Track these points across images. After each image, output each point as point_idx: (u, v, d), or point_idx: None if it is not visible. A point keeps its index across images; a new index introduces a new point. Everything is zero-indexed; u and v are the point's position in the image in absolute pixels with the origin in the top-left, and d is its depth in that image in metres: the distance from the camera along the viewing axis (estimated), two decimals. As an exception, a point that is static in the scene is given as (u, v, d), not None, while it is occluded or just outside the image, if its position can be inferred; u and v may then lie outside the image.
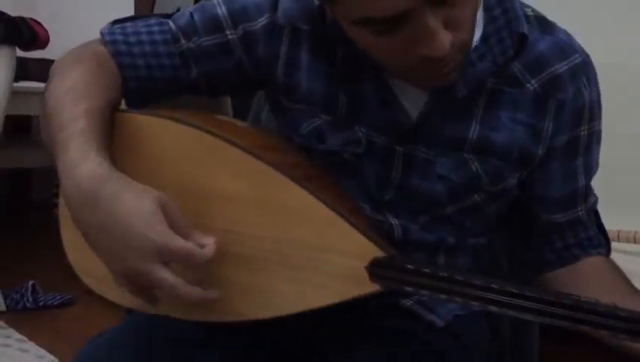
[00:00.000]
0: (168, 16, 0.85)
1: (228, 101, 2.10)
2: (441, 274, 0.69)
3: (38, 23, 2.19)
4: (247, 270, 0.75)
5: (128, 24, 0.84)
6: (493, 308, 0.66)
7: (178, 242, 0.67)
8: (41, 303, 2.13)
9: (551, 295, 0.64)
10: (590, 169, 0.84)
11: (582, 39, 0.82)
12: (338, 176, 0.83)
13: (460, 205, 0.82)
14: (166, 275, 0.67)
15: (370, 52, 0.72)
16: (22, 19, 2.13)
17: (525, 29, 0.77)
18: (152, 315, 0.79)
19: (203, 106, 0.87)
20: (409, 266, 0.71)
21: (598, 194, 0.88)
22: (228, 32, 0.81)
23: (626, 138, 1.31)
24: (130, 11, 2.50)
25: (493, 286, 0.66)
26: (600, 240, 0.88)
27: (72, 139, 0.70)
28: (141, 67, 0.82)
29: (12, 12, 2.12)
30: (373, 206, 0.83)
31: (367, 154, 0.81)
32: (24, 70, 2.33)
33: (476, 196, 0.81)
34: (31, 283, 2.16)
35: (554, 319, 0.64)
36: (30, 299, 2.13)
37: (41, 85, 2.75)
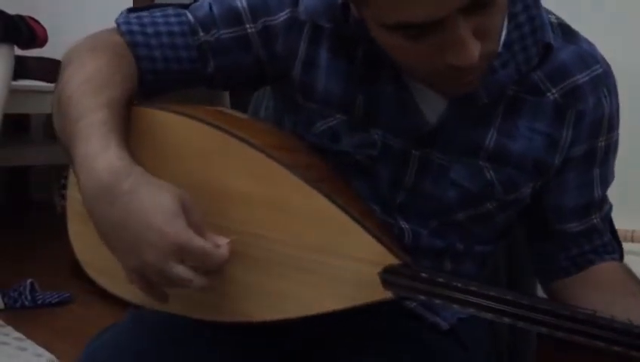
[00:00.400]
0: (186, 6, 0.83)
1: (226, 97, 2.10)
2: (454, 283, 0.68)
3: (37, 22, 2.19)
4: (257, 272, 0.74)
5: (144, 14, 0.82)
6: (506, 320, 0.66)
7: (197, 241, 0.66)
8: (39, 301, 2.13)
9: (566, 309, 0.64)
10: (606, 180, 0.84)
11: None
12: (349, 177, 0.82)
13: (471, 212, 0.81)
14: (180, 270, 0.66)
15: (396, 56, 0.71)
16: (20, 17, 2.13)
17: (551, 38, 0.76)
18: (156, 313, 0.78)
19: (201, 101, 0.86)
20: (423, 274, 0.70)
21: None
22: (247, 26, 0.80)
23: (624, 136, 1.30)
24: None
25: (507, 297, 0.66)
26: (614, 247, 0.87)
27: (92, 129, 0.68)
28: (158, 59, 0.80)
29: (10, 10, 2.11)
30: (384, 209, 0.82)
31: (381, 157, 0.80)
32: (23, 68, 2.33)
33: (488, 204, 0.81)
34: (29, 281, 2.15)
35: (569, 334, 0.63)
36: (28, 297, 2.13)
37: (39, 84, 2.76)
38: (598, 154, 0.81)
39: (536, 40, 0.76)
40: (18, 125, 2.95)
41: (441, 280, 0.69)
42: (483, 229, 0.84)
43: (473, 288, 0.67)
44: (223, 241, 0.68)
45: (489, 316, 0.66)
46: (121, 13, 0.83)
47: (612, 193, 0.90)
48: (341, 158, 0.81)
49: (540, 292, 1.01)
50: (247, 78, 0.84)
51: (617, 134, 0.82)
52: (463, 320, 0.88)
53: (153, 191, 0.66)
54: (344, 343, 0.82)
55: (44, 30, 2.21)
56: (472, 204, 0.81)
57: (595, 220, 0.84)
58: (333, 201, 0.72)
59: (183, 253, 0.65)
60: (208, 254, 0.66)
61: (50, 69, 2.23)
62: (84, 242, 0.82)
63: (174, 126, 0.77)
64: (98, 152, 0.67)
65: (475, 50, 0.65)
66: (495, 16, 0.67)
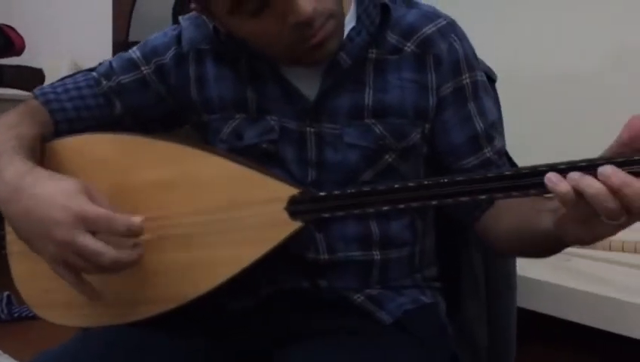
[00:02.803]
0: (92, 69, 0.98)
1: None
2: (349, 191, 0.75)
3: (13, 30, 2.18)
4: (183, 249, 0.80)
5: (57, 82, 0.97)
6: (400, 206, 0.73)
7: (99, 209, 0.72)
8: (15, 314, 2.11)
9: (445, 178, 0.70)
10: (484, 113, 0.90)
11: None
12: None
13: (375, 169, 0.88)
14: (88, 240, 0.71)
15: (257, 42, 0.81)
16: (-3, 25, 2.11)
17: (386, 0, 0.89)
18: (102, 331, 0.82)
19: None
20: (321, 194, 0.77)
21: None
22: (143, 68, 0.94)
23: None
24: (108, 20, 2.46)
25: (396, 186, 0.72)
26: None
27: (1, 155, 0.79)
28: (69, 109, 0.94)
29: (-14, 19, 2.09)
30: None
31: (282, 140, 0.88)
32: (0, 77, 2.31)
33: (387, 156, 0.88)
34: (6, 294, 2.13)
35: (454, 198, 0.69)
36: (5, 310, 2.11)
37: (17, 92, 2.73)
38: (466, 90, 0.89)
39: (375, 4, 0.88)
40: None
41: (336, 192, 0.75)
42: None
43: (366, 189, 0.74)
44: (137, 218, 0.74)
45: (387, 208, 0.73)
46: (37, 89, 0.97)
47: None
48: (250, 152, 0.88)
49: (523, 296, 1.03)
50: (154, 115, 0.95)
51: (482, 75, 0.92)
52: (410, 312, 0.90)
53: (54, 180, 0.75)
54: (292, 341, 0.84)
55: (21, 38, 2.19)
56: (372, 160, 0.87)
57: (487, 154, 0.90)
58: (231, 159, 0.80)
59: (86, 222, 0.71)
60: (111, 218, 0.72)
61: (28, 78, 2.20)
62: (30, 281, 0.88)
63: (86, 144, 0.87)
64: (6, 165, 0.77)
65: (307, 3, 0.75)
66: None
